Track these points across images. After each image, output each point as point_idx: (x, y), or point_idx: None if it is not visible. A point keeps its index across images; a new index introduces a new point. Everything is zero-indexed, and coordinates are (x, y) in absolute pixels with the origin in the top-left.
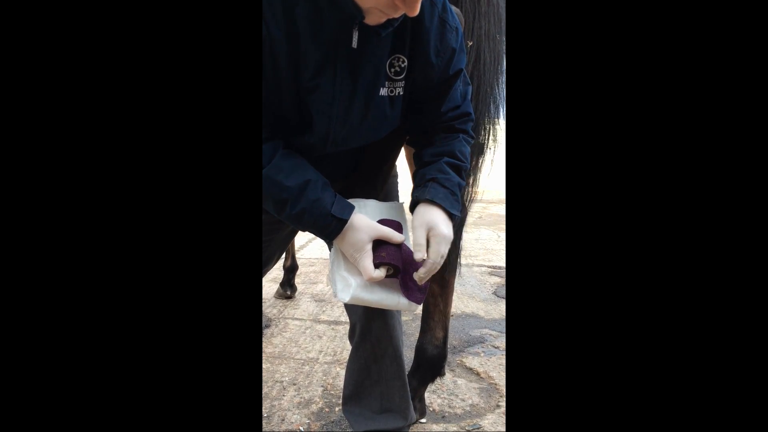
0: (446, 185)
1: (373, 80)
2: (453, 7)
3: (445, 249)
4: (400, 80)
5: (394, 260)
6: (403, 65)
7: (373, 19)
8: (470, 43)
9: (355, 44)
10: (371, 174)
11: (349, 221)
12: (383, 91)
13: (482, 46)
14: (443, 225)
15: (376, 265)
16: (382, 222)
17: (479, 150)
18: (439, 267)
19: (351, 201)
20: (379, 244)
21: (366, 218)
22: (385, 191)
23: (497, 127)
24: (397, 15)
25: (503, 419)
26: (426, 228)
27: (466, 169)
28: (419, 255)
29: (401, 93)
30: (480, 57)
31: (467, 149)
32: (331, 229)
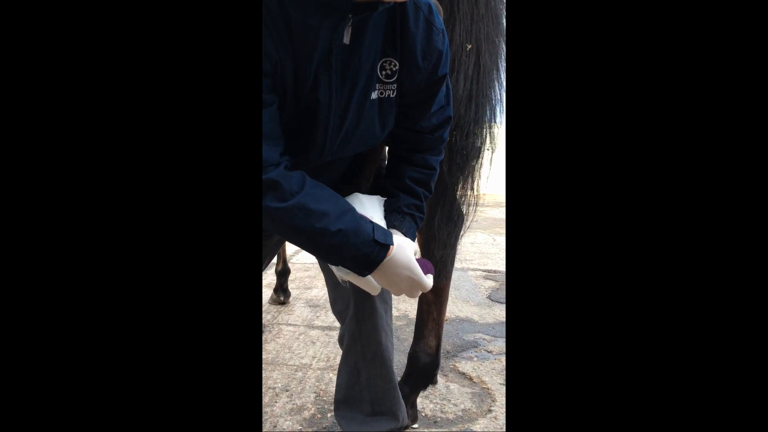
0: (417, 223)
1: (366, 84)
2: (433, 0)
3: None
4: (391, 83)
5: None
6: (394, 68)
7: None
8: (470, 47)
9: (347, 40)
10: (357, 175)
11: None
12: (374, 95)
13: (482, 48)
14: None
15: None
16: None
17: (476, 154)
18: None
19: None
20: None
21: (400, 236)
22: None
23: (494, 131)
24: None
25: (495, 424)
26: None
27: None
28: None
29: (392, 96)
30: (479, 60)
31: (437, 175)
32: (374, 256)
